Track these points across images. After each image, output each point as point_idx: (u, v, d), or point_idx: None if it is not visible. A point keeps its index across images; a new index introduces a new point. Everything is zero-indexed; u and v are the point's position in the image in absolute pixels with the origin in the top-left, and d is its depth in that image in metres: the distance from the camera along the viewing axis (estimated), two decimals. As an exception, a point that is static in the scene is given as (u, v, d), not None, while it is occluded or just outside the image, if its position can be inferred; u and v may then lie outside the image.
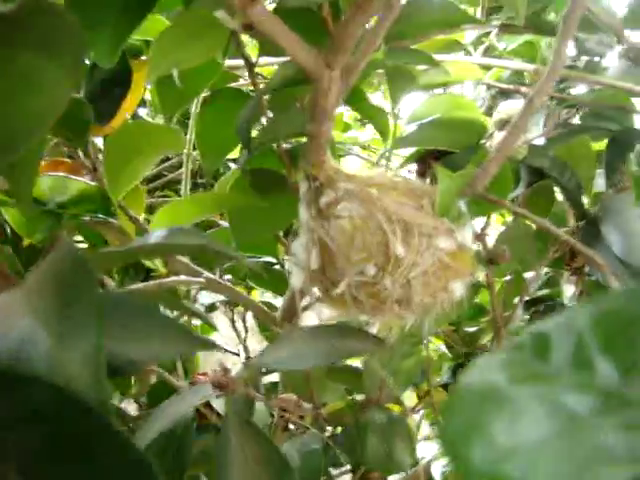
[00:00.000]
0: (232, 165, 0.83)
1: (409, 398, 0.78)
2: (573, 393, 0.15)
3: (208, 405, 0.58)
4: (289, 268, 0.42)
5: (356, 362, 0.65)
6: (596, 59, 0.68)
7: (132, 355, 0.21)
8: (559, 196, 0.65)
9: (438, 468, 0.64)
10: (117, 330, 0.22)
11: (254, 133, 0.48)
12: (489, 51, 0.70)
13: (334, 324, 0.41)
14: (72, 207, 0.53)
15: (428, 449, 0.69)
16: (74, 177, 0.54)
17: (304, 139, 0.54)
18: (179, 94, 0.50)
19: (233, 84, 0.61)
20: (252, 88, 0.51)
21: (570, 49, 0.67)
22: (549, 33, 0.61)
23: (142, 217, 0.56)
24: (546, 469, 0.13)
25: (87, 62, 0.56)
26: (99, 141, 0.63)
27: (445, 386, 0.83)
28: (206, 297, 0.84)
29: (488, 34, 0.70)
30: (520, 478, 0.13)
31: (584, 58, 0.70)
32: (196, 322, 0.89)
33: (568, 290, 0.83)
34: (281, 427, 0.62)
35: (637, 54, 0.67)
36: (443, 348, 0.90)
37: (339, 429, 0.60)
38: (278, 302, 0.85)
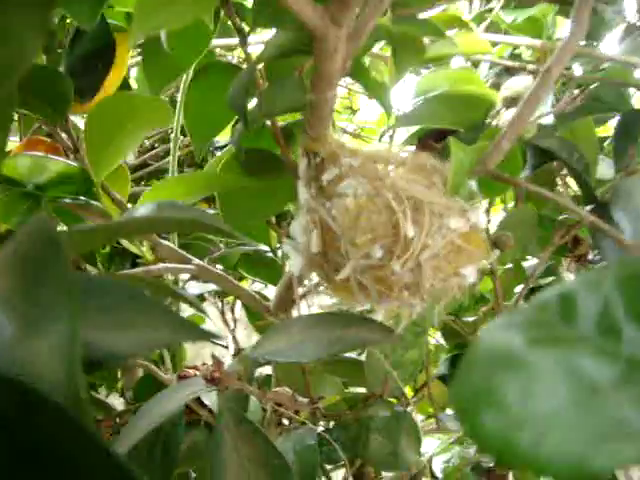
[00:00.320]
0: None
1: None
2: (595, 360, 0.14)
3: (197, 399, 0.55)
4: (286, 252, 0.39)
5: (352, 353, 0.62)
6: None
7: (113, 345, 0.18)
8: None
9: (439, 463, 0.61)
10: (96, 316, 0.18)
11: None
12: (490, 28, 0.67)
13: (336, 312, 0.38)
14: (52, 189, 0.49)
15: (427, 444, 0.66)
16: (54, 157, 0.50)
17: (299, 116, 0.51)
18: (166, 67, 0.47)
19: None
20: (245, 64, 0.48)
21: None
22: (565, 2, 0.58)
23: (126, 202, 0.53)
24: (556, 441, 0.13)
25: (69, 37, 0.53)
26: (81, 122, 0.60)
27: (442, 378, 0.80)
28: (194, 288, 0.81)
29: (491, 10, 0.67)
30: (530, 448, 0.13)
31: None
32: (184, 314, 0.86)
33: (569, 279, 0.81)
34: (274, 423, 0.59)
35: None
36: (439, 339, 0.87)
37: (332, 424, 0.57)
38: (268, 292, 0.82)
